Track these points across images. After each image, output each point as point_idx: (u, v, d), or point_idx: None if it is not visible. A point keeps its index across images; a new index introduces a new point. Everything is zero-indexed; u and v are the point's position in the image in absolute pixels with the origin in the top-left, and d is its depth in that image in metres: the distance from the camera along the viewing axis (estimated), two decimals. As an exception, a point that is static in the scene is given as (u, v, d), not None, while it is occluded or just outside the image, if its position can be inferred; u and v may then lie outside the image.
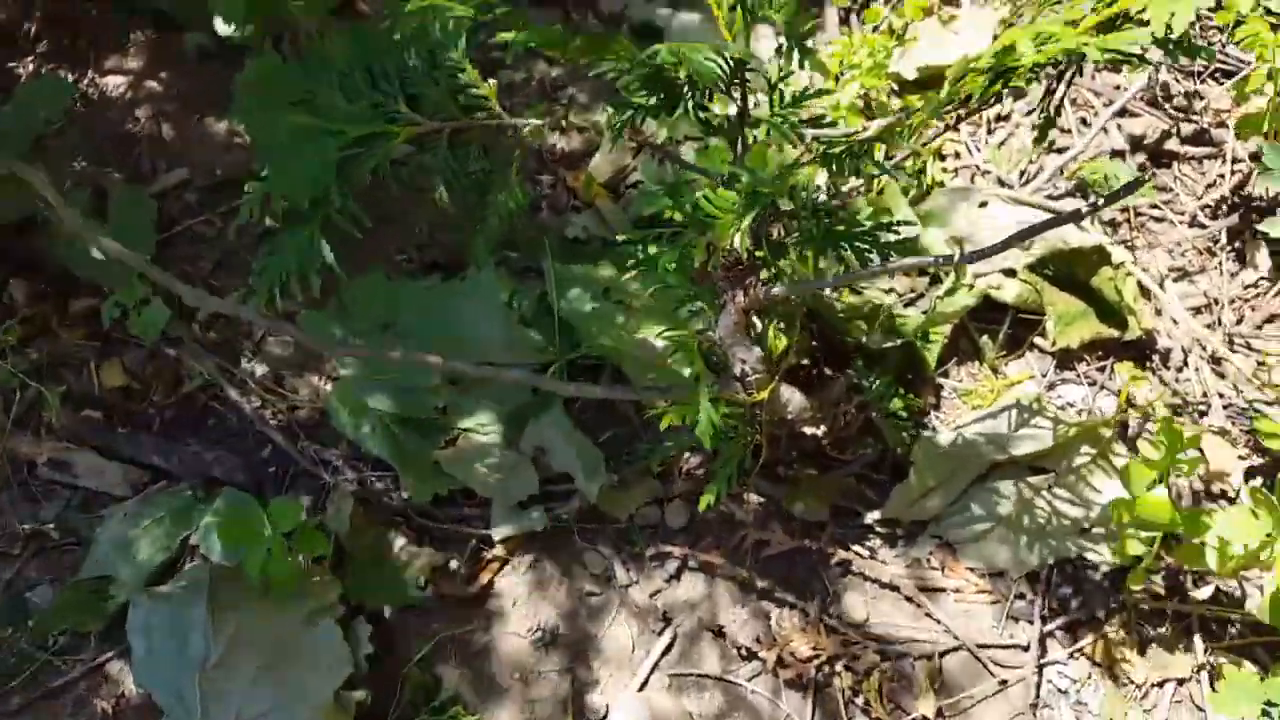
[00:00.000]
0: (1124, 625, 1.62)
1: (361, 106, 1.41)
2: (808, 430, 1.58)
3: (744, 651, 1.63)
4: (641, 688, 1.62)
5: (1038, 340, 1.89)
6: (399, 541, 1.73)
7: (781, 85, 1.39)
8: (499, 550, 1.73)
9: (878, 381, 1.68)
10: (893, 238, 1.37)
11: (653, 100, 1.42)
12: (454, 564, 1.72)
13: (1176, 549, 1.51)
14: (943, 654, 1.63)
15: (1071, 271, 1.85)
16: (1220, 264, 1.98)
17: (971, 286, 1.82)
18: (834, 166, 1.27)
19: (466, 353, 1.87)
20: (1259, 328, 1.93)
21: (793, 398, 1.50)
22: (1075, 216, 1.34)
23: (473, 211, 1.60)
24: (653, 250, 1.45)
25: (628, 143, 2.14)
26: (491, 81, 1.51)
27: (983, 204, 1.94)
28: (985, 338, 1.86)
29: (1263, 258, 1.97)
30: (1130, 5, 1.00)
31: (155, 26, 2.30)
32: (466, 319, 1.92)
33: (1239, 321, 1.94)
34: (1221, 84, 2.16)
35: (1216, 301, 1.94)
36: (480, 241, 1.56)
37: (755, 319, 1.48)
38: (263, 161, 1.45)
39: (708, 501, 1.51)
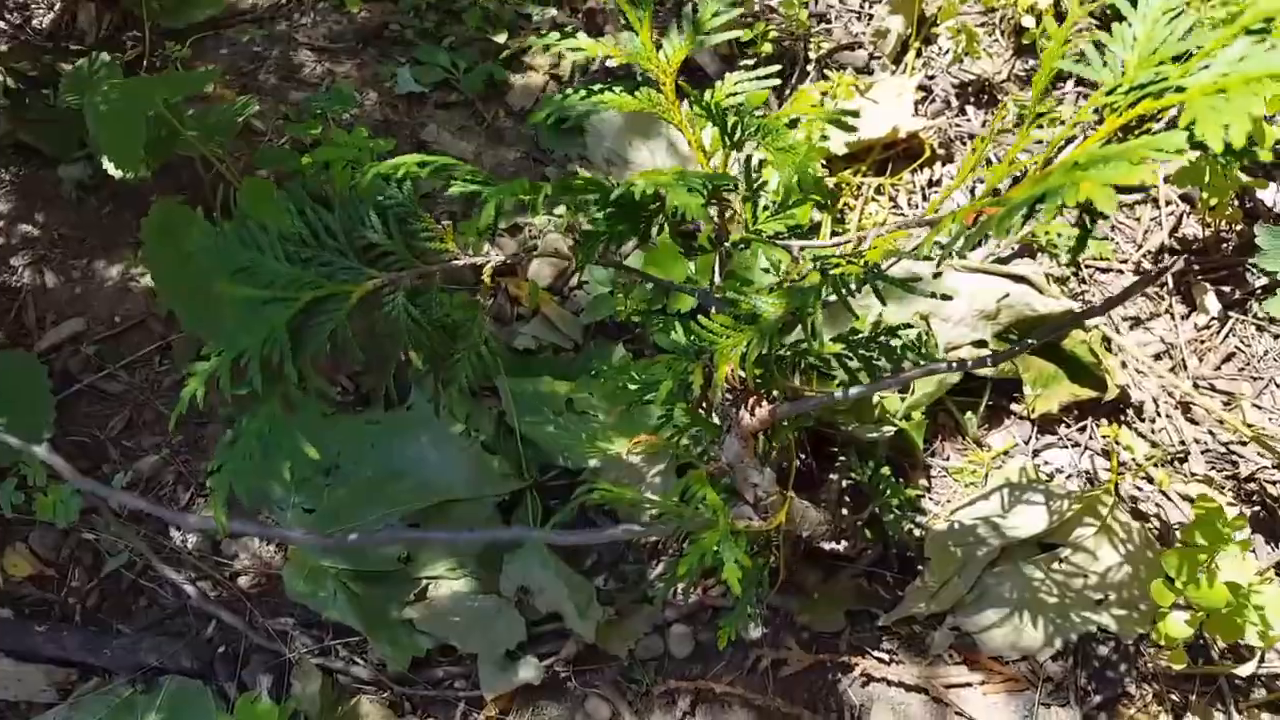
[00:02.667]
0: (1157, 698, 1.56)
1: (309, 270, 1.26)
2: (825, 545, 1.48)
3: (777, 786, 1.50)
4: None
5: (1015, 408, 1.85)
6: (376, 715, 1.55)
7: (755, 197, 1.31)
8: (491, 711, 1.56)
9: (872, 473, 1.60)
10: (898, 343, 1.30)
11: (622, 227, 1.31)
12: (444, 733, 1.55)
13: (1208, 622, 1.46)
14: (982, 755, 1.54)
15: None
16: (1170, 308, 1.99)
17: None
18: (844, 288, 1.18)
19: (424, 492, 1.72)
20: (1218, 369, 1.94)
21: (806, 513, 1.40)
22: (1087, 314, 1.30)
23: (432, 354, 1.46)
24: (645, 378, 1.34)
25: (566, 239, 2.05)
26: (446, 223, 1.39)
27: (937, 275, 1.90)
28: (968, 413, 1.81)
29: (1210, 300, 1.98)
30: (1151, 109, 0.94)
31: (23, 163, 2.09)
32: (420, 454, 1.77)
33: (1200, 363, 1.94)
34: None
35: (1174, 346, 1.95)
36: (446, 388, 1.42)
37: (762, 439, 1.37)
38: (169, 306, 1.29)
39: (728, 636, 1.39)
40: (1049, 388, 1.80)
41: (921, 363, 1.33)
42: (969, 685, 1.59)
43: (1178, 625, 1.40)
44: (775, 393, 1.28)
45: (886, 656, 1.61)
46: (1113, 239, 2.07)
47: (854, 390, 1.22)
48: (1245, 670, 1.50)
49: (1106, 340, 1.90)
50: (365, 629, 1.58)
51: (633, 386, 1.41)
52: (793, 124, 1.16)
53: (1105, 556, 1.63)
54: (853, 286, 1.12)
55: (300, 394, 1.21)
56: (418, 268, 1.33)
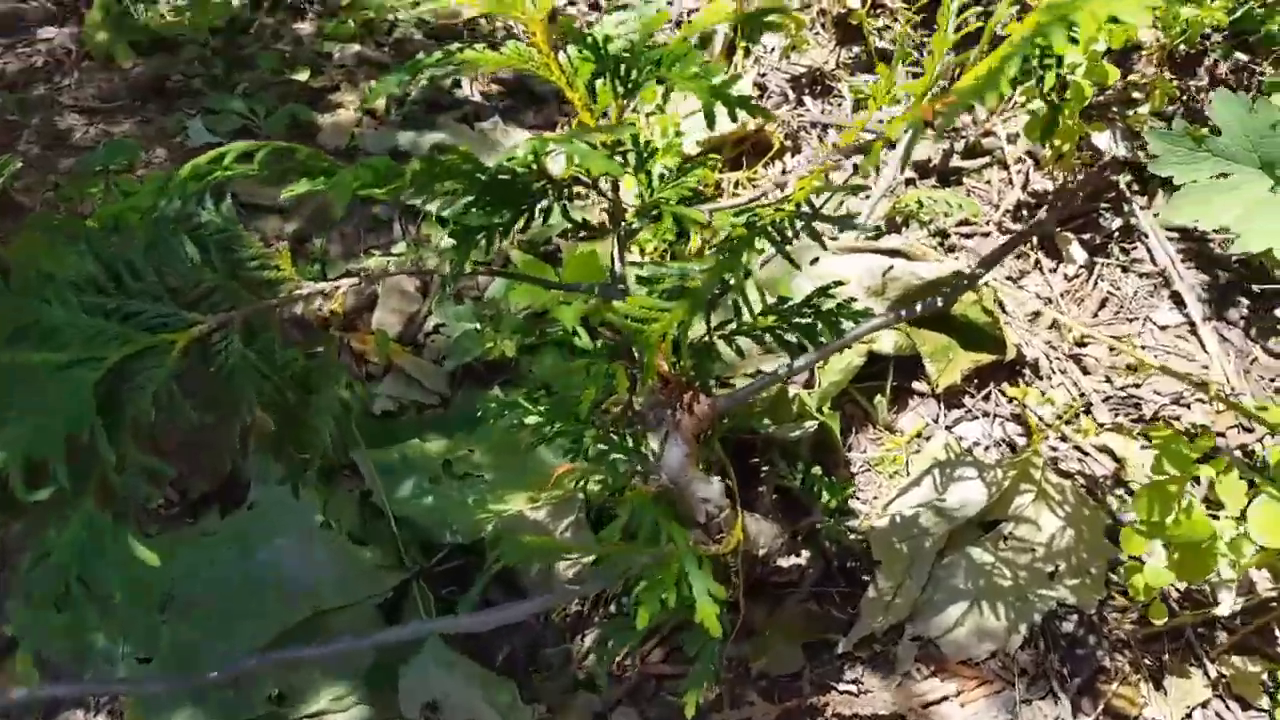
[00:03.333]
0: (1133, 665, 1.47)
1: (113, 321, 0.97)
2: (783, 563, 1.28)
3: None
4: None
5: (916, 386, 1.74)
6: None
7: (646, 165, 1.13)
8: None
9: (804, 475, 1.44)
10: (831, 304, 1.14)
11: (505, 214, 1.09)
12: None
13: (1177, 564, 1.37)
14: (977, 771, 1.39)
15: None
16: (1039, 262, 1.95)
17: (849, 347, 1.63)
18: (775, 236, 1.00)
19: (287, 608, 1.42)
20: (1095, 315, 1.91)
21: (761, 528, 1.21)
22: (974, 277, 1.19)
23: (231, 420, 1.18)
24: (543, 408, 1.12)
25: (408, 290, 1.79)
26: (280, 245, 1.13)
27: (814, 261, 1.77)
28: (876, 397, 1.68)
29: (1075, 249, 1.95)
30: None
31: None
32: (273, 560, 1.47)
33: (1079, 311, 1.90)
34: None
35: (1050, 300, 1.90)
36: (306, 461, 1.15)
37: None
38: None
39: (695, 702, 1.18)
40: (949, 359, 1.70)
41: (858, 322, 1.17)
42: (945, 699, 1.44)
43: (1157, 571, 1.29)
44: (706, 386, 1.09)
45: (854, 688, 1.44)
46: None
47: (800, 361, 1.05)
48: (1224, 609, 1.41)
49: (999, 301, 1.83)
50: (246, 792, 1.27)
51: (532, 421, 1.19)
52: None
53: (1047, 524, 1.53)
54: (787, 233, 0.94)
55: (122, 483, 0.91)
56: (252, 304, 1.07)
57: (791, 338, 1.15)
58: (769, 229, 0.99)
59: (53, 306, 1.03)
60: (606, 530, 1.07)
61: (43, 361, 0.97)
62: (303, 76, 2.09)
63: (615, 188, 1.13)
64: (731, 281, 1.01)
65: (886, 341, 1.65)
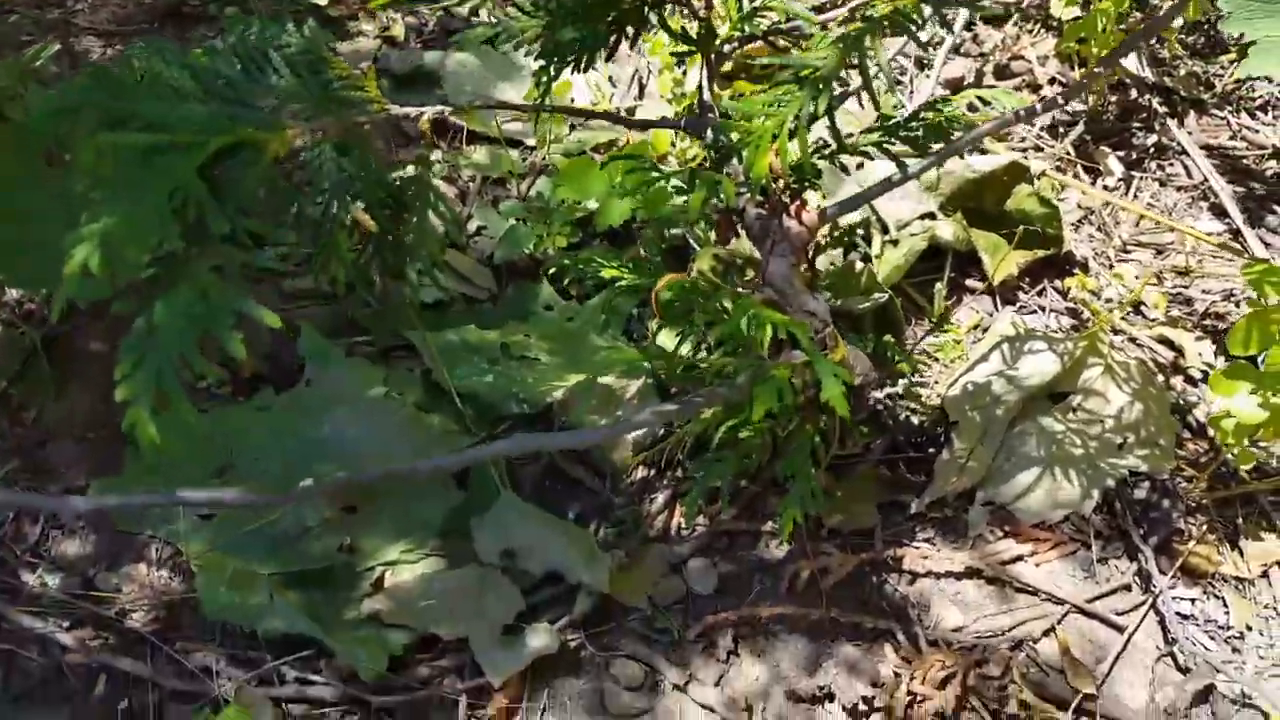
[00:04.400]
0: (1209, 527, 1.45)
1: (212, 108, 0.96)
2: (873, 394, 1.27)
3: (863, 709, 1.26)
4: (751, 808, 1.20)
5: (970, 284, 1.75)
6: (353, 743, 1.20)
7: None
8: (501, 701, 1.24)
9: (876, 341, 1.43)
10: (941, 116, 1.14)
11: (602, 27, 1.10)
12: (448, 741, 1.21)
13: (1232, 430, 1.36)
14: (1058, 622, 1.36)
15: (980, 202, 1.74)
16: (1078, 175, 1.97)
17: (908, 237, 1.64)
18: (908, 20, 1.00)
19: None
20: (1137, 225, 1.93)
21: (858, 357, 1.20)
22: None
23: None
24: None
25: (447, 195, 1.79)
26: (365, 65, 1.13)
27: (860, 165, 1.79)
28: (936, 285, 1.68)
29: (1113, 162, 1.98)
30: None
31: None
32: (336, 432, 1.44)
33: (1118, 225, 1.92)
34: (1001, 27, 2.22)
35: (1092, 210, 1.92)
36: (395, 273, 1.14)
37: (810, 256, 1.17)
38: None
39: (789, 527, 1.16)
40: (1004, 255, 1.71)
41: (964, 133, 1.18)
42: (1020, 559, 1.42)
43: (1249, 414, 1.28)
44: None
45: (927, 547, 1.42)
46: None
47: (913, 167, 1.05)
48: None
49: (1057, 188, 1.84)
50: (323, 636, 1.23)
51: (610, 271, 1.18)
52: None
53: (1115, 398, 1.53)
54: (915, 18, 0.95)
55: (235, 254, 0.90)
56: (342, 119, 1.06)
57: (898, 148, 1.15)
58: (896, 15, 1.00)
59: (151, 101, 1.02)
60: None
61: (142, 144, 0.96)
62: (321, 1, 2.11)
63: (709, 4, 1.15)
64: (856, 71, 1.00)
65: (946, 230, 1.66)
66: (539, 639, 1.25)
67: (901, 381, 1.48)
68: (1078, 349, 1.52)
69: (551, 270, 1.47)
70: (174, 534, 1.33)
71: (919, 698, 1.25)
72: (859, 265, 1.52)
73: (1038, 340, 1.55)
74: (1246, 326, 1.23)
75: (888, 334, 1.54)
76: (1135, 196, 1.95)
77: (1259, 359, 1.31)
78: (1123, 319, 1.72)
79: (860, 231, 1.59)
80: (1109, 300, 1.76)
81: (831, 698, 1.27)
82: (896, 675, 1.27)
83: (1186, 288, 1.80)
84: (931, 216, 1.69)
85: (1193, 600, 1.40)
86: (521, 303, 1.64)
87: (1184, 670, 1.32)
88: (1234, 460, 1.44)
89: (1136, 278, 1.80)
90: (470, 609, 1.28)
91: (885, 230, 1.65)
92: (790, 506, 1.14)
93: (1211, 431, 1.54)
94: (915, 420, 1.52)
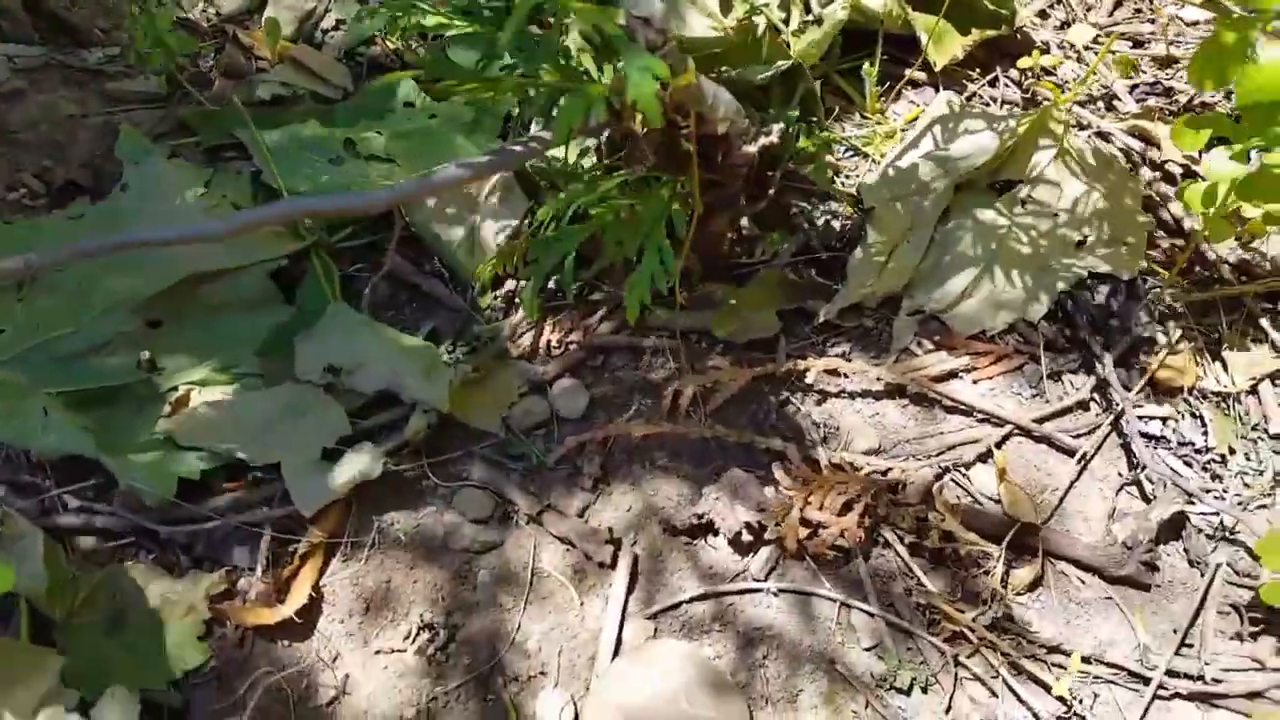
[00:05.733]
0: (1185, 335, 1.23)
1: None
2: (745, 149, 1.03)
3: (745, 539, 1.05)
4: (614, 656, 1.00)
5: (909, 74, 1.49)
6: (141, 579, 1.00)
7: None
8: (314, 536, 1.04)
9: (778, 111, 1.19)
10: None
11: None
12: (245, 580, 1.02)
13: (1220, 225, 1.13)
14: (997, 445, 1.14)
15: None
16: (1046, -39, 1.70)
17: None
18: None
19: (165, 272, 1.19)
20: (1110, 15, 1.67)
21: (719, 94, 0.96)
22: None
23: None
24: None
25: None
26: None
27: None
28: (865, 65, 1.42)
29: (1087, -56, 1.71)
30: None
31: None
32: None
33: (1089, 12, 1.66)
34: None
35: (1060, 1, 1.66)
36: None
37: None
38: None
39: (634, 310, 0.94)
40: (946, 37, 1.46)
41: None
42: (953, 375, 1.20)
43: (1219, 169, 1.04)
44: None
45: (841, 362, 1.19)
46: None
47: None
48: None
49: None
50: (108, 460, 1.03)
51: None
52: None
53: (1070, 187, 1.29)
54: None
55: None
56: None
57: None
58: None
59: None
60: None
61: None
62: None
63: None
64: None
65: (875, 1, 1.40)
66: (360, 462, 1.05)
67: (811, 168, 1.24)
68: (1022, 125, 1.27)
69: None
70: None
71: (818, 526, 1.04)
72: (761, 29, 1.27)
73: (975, 119, 1.30)
74: (1202, 57, 0.98)
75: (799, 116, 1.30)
76: (1113, -18, 1.68)
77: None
78: (1090, 110, 1.47)
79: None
80: (1068, 84, 1.51)
81: (713, 529, 1.06)
82: (789, 499, 1.06)
83: (1169, 79, 1.55)
84: (875, -14, 1.43)
85: (1163, 420, 1.18)
86: (380, 100, 1.40)
87: (1150, 500, 1.11)
88: (1204, 235, 1.19)
89: (1097, 55, 1.54)
90: (284, 432, 1.07)
91: (808, 9, 1.39)
92: (639, 285, 0.92)
93: (1189, 224, 1.31)
94: (836, 225, 1.29)
